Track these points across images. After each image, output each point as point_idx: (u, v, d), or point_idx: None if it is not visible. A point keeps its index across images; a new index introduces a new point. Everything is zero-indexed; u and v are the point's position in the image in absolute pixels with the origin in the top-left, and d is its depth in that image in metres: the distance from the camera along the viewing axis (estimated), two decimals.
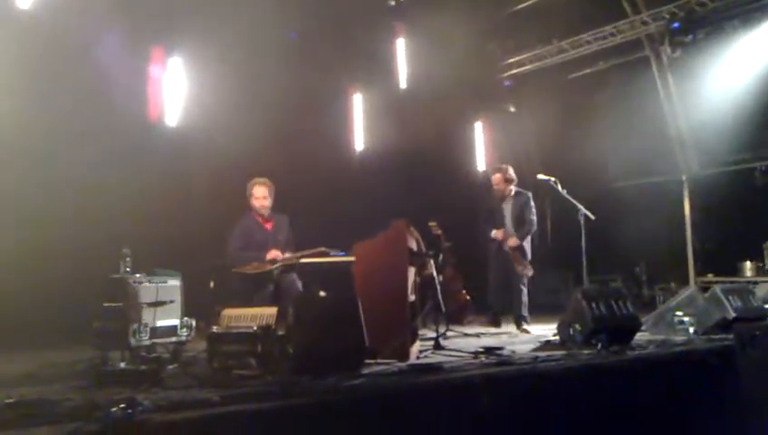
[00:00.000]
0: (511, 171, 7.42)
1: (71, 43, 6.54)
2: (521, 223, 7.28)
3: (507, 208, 7.34)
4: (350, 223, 7.12)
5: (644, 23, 9.74)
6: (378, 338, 4.21)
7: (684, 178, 10.71)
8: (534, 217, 7.35)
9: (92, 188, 6.37)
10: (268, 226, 5.92)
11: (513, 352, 4.84)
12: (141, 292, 4.52)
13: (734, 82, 9.34)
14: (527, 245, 7.29)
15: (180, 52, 7.65)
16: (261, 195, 5.88)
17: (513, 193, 7.37)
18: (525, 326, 6.98)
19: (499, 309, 7.39)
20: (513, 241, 7.16)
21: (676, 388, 4.34)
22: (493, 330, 7.05)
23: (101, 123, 6.63)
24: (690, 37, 9.08)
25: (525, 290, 7.16)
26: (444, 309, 6.26)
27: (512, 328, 7.08)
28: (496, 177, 7.40)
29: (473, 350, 4.86)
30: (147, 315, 4.48)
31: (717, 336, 5.51)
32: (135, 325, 4.34)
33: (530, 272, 7.17)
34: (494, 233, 7.25)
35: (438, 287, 6.20)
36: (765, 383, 4.20)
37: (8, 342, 5.28)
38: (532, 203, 7.40)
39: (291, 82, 8.28)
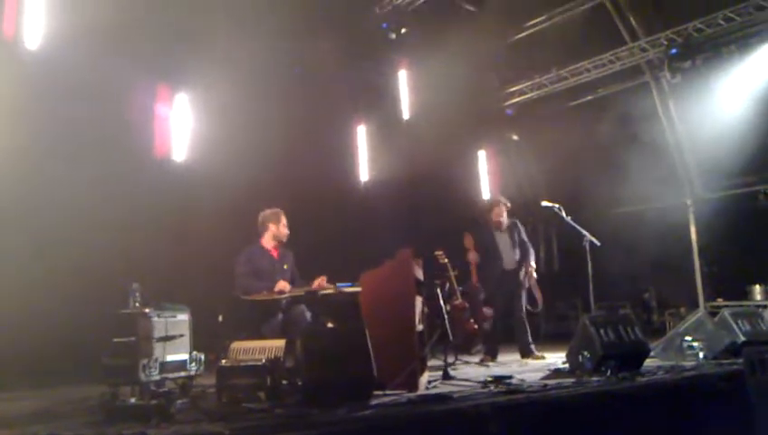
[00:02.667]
0: (508, 202, 7.42)
1: (78, 83, 6.66)
2: (524, 249, 7.26)
3: (504, 238, 7.25)
4: (356, 253, 7.18)
5: (643, 49, 9.86)
6: (386, 369, 4.21)
7: (689, 202, 10.73)
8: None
9: (101, 224, 6.43)
10: (275, 254, 5.97)
11: (523, 380, 4.82)
12: (151, 327, 4.54)
13: (735, 106, 9.41)
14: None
15: (186, 88, 7.79)
16: (286, 222, 5.99)
17: (508, 223, 7.32)
18: (537, 353, 6.94)
19: (498, 341, 7.21)
20: (533, 271, 7.18)
21: (686, 414, 4.31)
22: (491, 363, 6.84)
23: (110, 161, 6.73)
24: (689, 63, 9.17)
25: (525, 318, 7.14)
26: (452, 338, 6.24)
27: (513, 358, 6.99)
28: (500, 209, 7.28)
29: (482, 379, 4.84)
30: (156, 350, 4.49)
31: (727, 361, 5.49)
32: (145, 360, 4.35)
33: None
34: (529, 269, 7.17)
35: (446, 316, 6.19)
36: None
37: (19, 379, 5.31)
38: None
39: (296, 116, 8.40)
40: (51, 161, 6.34)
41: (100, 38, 6.66)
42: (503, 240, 7.25)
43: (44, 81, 6.39)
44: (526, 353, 6.99)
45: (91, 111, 6.73)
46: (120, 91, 6.96)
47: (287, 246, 6.07)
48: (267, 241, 5.97)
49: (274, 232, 5.97)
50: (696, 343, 5.91)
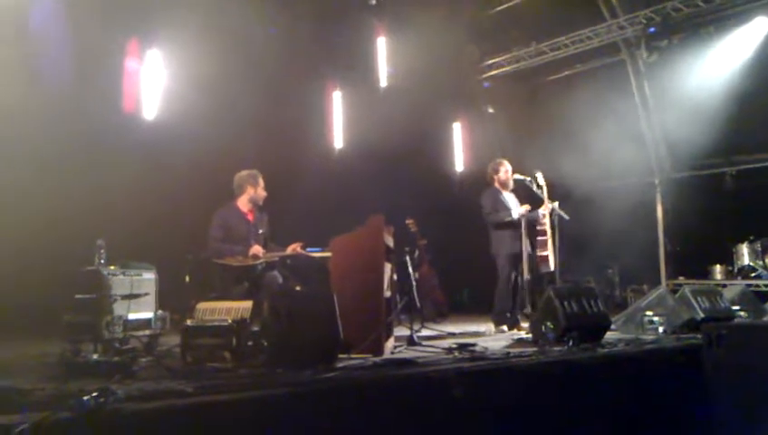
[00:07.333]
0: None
1: (46, 37, 6.45)
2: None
3: (512, 198, 7.10)
4: (328, 219, 7.13)
5: (621, 27, 9.87)
6: (353, 332, 4.24)
7: (657, 180, 10.89)
8: None
9: (68, 180, 6.31)
10: (251, 217, 5.91)
11: (486, 348, 4.89)
12: (115, 284, 4.49)
13: (708, 88, 9.48)
14: None
15: (159, 44, 7.59)
16: (263, 185, 5.90)
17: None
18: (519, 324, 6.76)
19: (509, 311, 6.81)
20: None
21: (644, 385, 4.43)
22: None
23: (78, 116, 6.56)
24: (666, 42, 9.21)
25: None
26: (419, 306, 6.29)
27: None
28: (506, 168, 7.12)
29: (446, 346, 4.90)
30: (120, 308, 4.45)
31: (685, 335, 5.63)
32: (108, 318, 4.31)
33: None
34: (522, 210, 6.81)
35: (414, 284, 6.23)
36: (730, 380, 4.31)
37: None
38: None
39: (270, 78, 8.27)
40: (17, 116, 6.14)
41: None
42: (511, 200, 7.10)
43: (10, 34, 6.15)
44: (514, 324, 6.75)
45: (58, 66, 6.53)
46: (89, 44, 6.75)
47: (261, 209, 6.01)
48: (243, 203, 5.89)
49: (251, 195, 5.88)
50: (656, 318, 6.05)
